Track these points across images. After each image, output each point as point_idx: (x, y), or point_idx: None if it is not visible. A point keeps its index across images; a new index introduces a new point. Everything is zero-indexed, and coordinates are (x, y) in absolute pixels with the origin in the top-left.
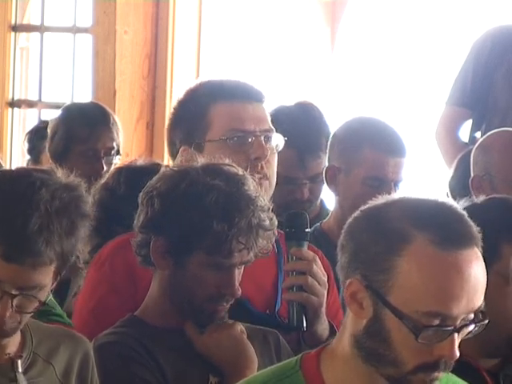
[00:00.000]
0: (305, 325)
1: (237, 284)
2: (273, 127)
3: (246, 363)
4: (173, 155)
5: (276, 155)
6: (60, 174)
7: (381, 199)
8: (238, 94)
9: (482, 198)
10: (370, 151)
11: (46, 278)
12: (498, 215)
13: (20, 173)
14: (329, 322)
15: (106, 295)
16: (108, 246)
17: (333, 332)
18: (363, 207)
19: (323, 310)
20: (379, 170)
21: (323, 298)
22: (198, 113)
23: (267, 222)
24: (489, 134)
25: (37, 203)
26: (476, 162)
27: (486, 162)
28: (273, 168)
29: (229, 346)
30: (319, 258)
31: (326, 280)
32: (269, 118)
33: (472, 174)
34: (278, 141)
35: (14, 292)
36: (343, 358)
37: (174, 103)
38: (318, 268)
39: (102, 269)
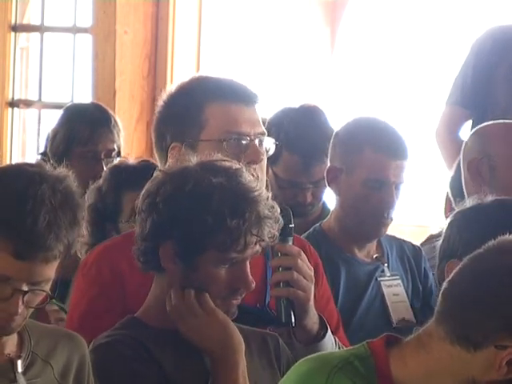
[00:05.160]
0: (293, 320)
1: (250, 276)
2: (265, 130)
3: (234, 346)
4: (161, 150)
5: (266, 158)
6: (47, 166)
7: None
8: (235, 96)
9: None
10: (371, 153)
11: (53, 271)
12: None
13: (15, 169)
14: (319, 315)
15: (95, 298)
16: (94, 252)
17: (323, 325)
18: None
19: (311, 304)
20: (380, 173)
21: (310, 292)
22: (192, 110)
23: (270, 211)
24: (482, 125)
25: (41, 199)
26: (470, 149)
27: (483, 143)
28: (263, 170)
29: (216, 330)
30: (306, 250)
31: (312, 274)
32: (261, 121)
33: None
34: (269, 144)
35: (24, 288)
36: (420, 369)
37: (165, 96)
38: (304, 262)
39: (89, 273)
